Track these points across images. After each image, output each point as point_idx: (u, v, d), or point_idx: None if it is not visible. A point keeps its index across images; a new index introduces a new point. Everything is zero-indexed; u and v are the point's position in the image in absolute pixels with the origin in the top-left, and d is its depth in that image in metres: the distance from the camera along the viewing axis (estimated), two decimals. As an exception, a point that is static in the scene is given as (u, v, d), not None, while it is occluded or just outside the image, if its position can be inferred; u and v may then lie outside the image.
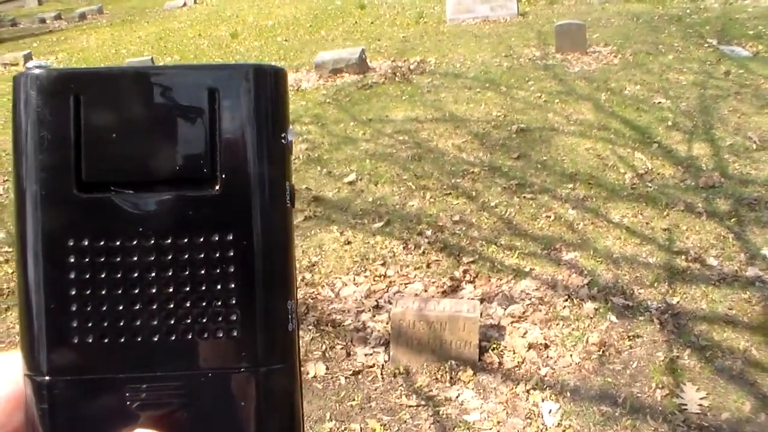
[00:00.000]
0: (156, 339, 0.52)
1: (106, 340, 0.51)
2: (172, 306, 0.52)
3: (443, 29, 12.15)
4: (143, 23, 19.17)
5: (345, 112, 7.64)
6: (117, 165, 0.51)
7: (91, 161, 0.51)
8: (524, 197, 5.27)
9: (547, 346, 3.80)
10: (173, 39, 15.39)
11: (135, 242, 0.51)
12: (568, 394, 3.47)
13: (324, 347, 3.87)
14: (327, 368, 3.73)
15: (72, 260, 0.51)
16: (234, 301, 0.51)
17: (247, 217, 0.51)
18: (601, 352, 3.74)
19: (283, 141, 0.52)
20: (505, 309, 4.09)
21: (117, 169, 0.51)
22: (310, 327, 4.01)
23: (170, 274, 0.51)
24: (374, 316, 4.08)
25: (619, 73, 8.31)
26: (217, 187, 0.51)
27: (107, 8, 25.05)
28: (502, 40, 10.69)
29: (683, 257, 4.52)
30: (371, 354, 3.80)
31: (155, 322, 0.51)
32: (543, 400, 3.45)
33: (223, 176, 0.51)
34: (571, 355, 3.73)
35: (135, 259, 0.51)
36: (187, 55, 12.88)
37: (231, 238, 0.51)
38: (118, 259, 0.51)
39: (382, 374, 3.66)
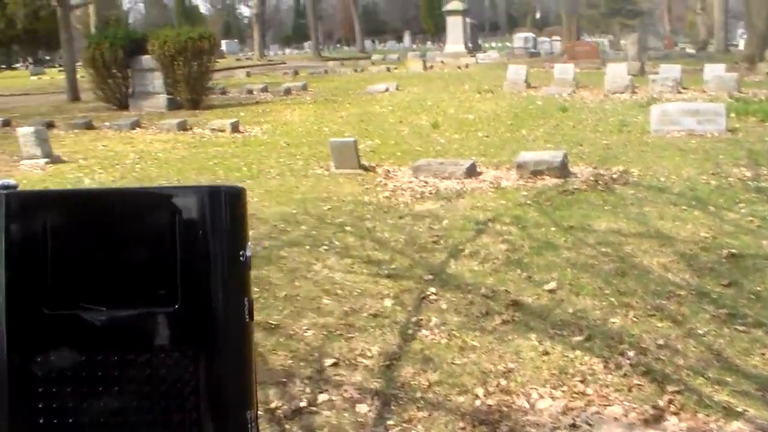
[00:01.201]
0: None
1: None
2: (135, 419, 0.53)
3: (647, 140, 11.96)
4: (345, 104, 19.95)
5: (546, 216, 7.60)
6: (83, 283, 0.53)
7: (59, 279, 0.53)
8: (735, 329, 5.01)
9: (757, 496, 3.55)
10: (374, 123, 15.89)
11: (101, 357, 0.53)
12: None
13: (517, 460, 3.78)
14: (520, 483, 3.63)
15: (39, 374, 0.53)
16: (195, 415, 0.53)
17: (206, 333, 0.54)
18: None
19: (241, 259, 0.55)
20: (713, 448, 3.86)
21: (83, 287, 0.53)
22: (502, 437, 3.93)
23: (134, 388, 0.53)
24: (570, 434, 3.96)
25: (840, 205, 7.85)
26: (177, 306, 0.53)
27: (311, 86, 26.29)
28: (709, 156, 10.39)
29: None
30: (567, 475, 3.67)
31: None
32: None
33: (183, 294, 0.53)
34: None
35: (100, 373, 0.53)
36: (387, 141, 13.26)
37: (191, 353, 0.54)
38: (84, 373, 0.53)
39: (578, 499, 3.53)
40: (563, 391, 4.33)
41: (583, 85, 21.02)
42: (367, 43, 72.56)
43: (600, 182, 8.90)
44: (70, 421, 0.53)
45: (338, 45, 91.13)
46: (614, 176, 9.22)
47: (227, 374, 0.55)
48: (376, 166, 10.94)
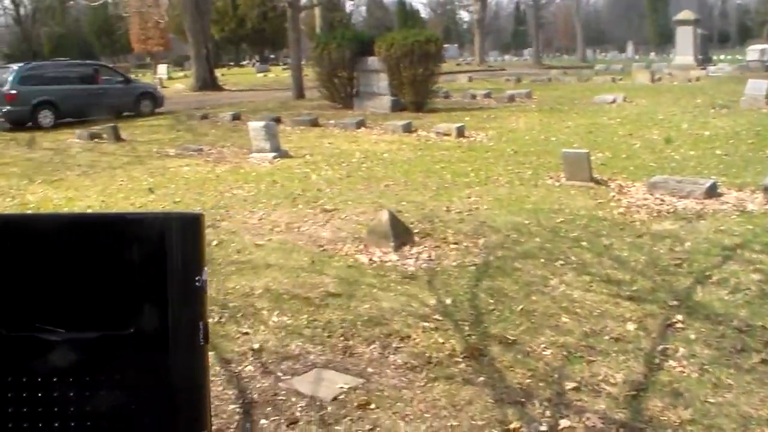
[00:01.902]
0: None
1: None
2: None
3: None
4: (572, 114, 19.56)
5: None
6: (41, 305, 0.54)
7: (17, 301, 0.54)
8: None
9: None
10: (603, 135, 15.45)
11: (56, 378, 0.53)
12: None
13: None
14: None
15: None
16: None
17: (160, 356, 0.54)
18: None
19: (197, 284, 0.56)
20: None
21: (41, 309, 0.54)
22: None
23: (90, 409, 0.53)
24: None
25: None
26: (132, 329, 0.54)
27: (535, 94, 26.10)
28: None
29: None
30: None
31: None
32: None
33: (138, 317, 0.54)
34: None
35: (56, 395, 0.53)
36: (618, 154, 12.82)
37: (147, 375, 0.54)
38: (41, 394, 0.53)
39: None
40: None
41: (832, 102, 19.40)
42: (588, 52, 70.98)
43: None
44: None
45: (558, 53, 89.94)
46: None
47: (182, 397, 0.56)
48: (608, 180, 10.56)
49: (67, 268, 0.56)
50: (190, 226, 0.58)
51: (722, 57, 56.13)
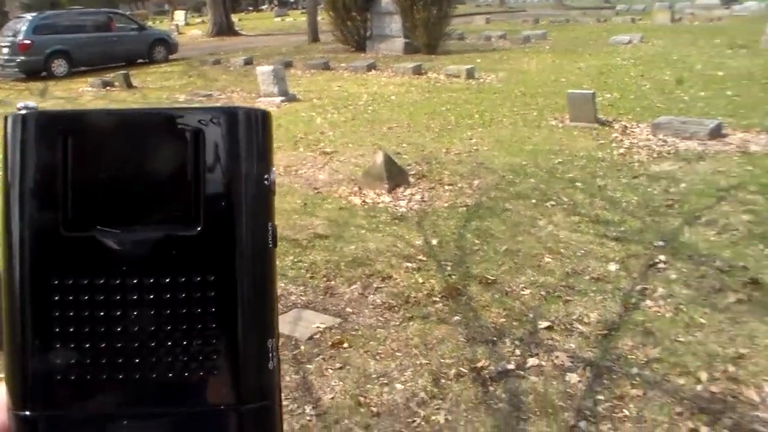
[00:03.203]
0: (138, 377, 0.52)
1: (89, 377, 0.52)
2: (154, 344, 0.52)
3: None
4: (585, 55, 19.27)
5: (798, 189, 6.93)
6: (102, 204, 0.53)
7: (77, 200, 0.52)
8: None
9: None
10: (614, 75, 15.25)
11: (119, 281, 0.52)
12: None
13: (741, 457, 3.47)
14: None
15: (56, 298, 0.52)
16: (215, 341, 0.52)
17: (228, 257, 0.52)
18: None
19: (265, 182, 0.54)
20: None
21: (101, 208, 0.53)
22: (725, 431, 3.62)
23: (152, 312, 0.52)
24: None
25: None
26: (199, 228, 0.52)
27: (551, 35, 25.71)
28: None
29: None
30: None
31: (138, 360, 0.52)
32: None
33: (206, 217, 0.52)
34: None
35: (118, 297, 0.52)
36: (627, 95, 12.66)
37: (213, 278, 0.52)
38: (102, 297, 0.52)
39: None
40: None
41: None
42: (615, -9, 69.50)
43: None
44: (87, 346, 0.53)
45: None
46: None
47: (249, 301, 0.54)
48: (613, 121, 10.46)
49: (129, 164, 0.54)
50: (260, 121, 0.56)
51: (753, -5, 54.83)
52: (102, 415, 0.53)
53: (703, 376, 4.00)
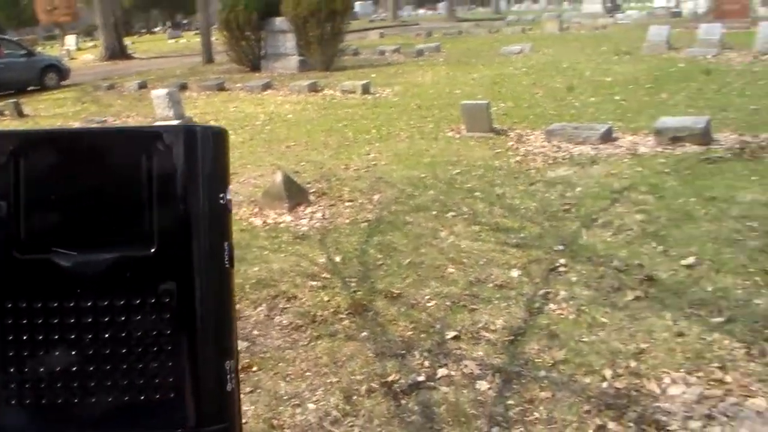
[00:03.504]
0: (94, 401, 0.51)
1: (44, 401, 0.51)
2: (109, 368, 0.51)
3: (802, 105, 11.18)
4: (478, 65, 19.63)
5: (686, 186, 7.18)
6: (55, 225, 0.52)
7: (30, 222, 0.51)
8: None
9: None
10: (507, 85, 15.56)
11: (73, 303, 0.51)
12: None
13: (648, 450, 3.55)
14: (649, 476, 3.41)
15: (9, 321, 0.51)
16: (170, 363, 0.51)
17: (183, 278, 0.52)
18: None
19: (221, 201, 0.53)
20: None
21: (55, 230, 0.52)
22: (631, 424, 3.70)
23: (107, 335, 0.51)
24: (705, 426, 3.68)
25: None
26: (153, 249, 0.51)
27: (445, 47, 26.16)
28: None
29: None
30: (701, 470, 3.42)
31: (93, 384, 0.51)
32: None
33: (160, 237, 0.51)
34: None
35: (73, 320, 0.51)
36: (520, 104, 12.93)
37: (168, 299, 0.51)
38: (56, 320, 0.51)
39: (712, 497, 3.28)
40: (699, 378, 4.05)
41: (730, 46, 19.84)
42: (502, 3, 71.15)
43: (747, 150, 8.34)
44: (42, 369, 0.52)
45: (473, 6, 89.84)
46: (763, 144, 8.61)
47: (206, 322, 0.52)
48: (508, 130, 10.66)
49: (83, 184, 0.53)
50: (216, 140, 0.54)
51: (631, 5, 56.89)
52: None
53: (608, 373, 4.08)
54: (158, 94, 13.97)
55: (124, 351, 0.52)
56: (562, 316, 4.79)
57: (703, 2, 39.77)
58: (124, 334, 0.52)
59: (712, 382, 3.99)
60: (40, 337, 0.52)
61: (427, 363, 4.35)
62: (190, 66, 27.00)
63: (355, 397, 4.06)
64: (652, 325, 4.57)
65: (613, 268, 5.44)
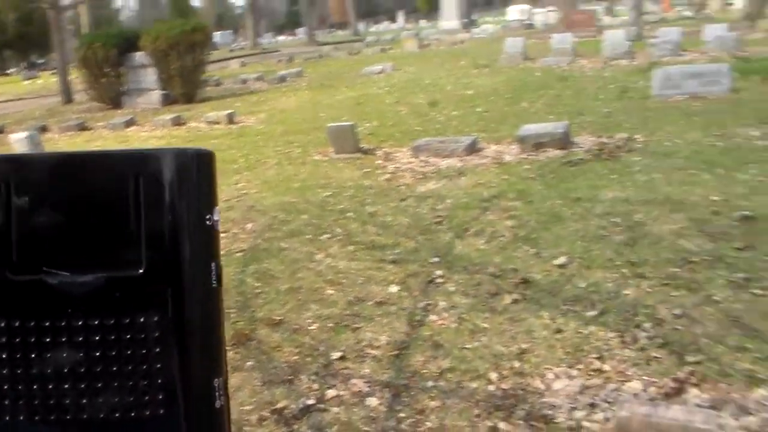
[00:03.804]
0: (85, 417, 0.53)
1: (37, 418, 0.53)
2: (100, 385, 0.53)
3: (649, 105, 11.77)
4: (342, 88, 19.75)
5: (551, 189, 7.42)
6: (46, 247, 0.53)
7: (22, 244, 0.53)
8: (753, 293, 4.83)
9: (790, 468, 3.39)
10: (371, 105, 15.71)
11: (64, 322, 0.52)
12: None
13: (537, 446, 3.63)
14: (541, 470, 3.48)
15: (3, 340, 0.53)
16: (160, 381, 0.53)
17: (171, 298, 0.53)
18: None
19: (207, 223, 0.55)
20: (739, 421, 3.69)
21: (46, 252, 0.53)
22: (520, 422, 3.77)
23: (98, 354, 0.52)
24: (589, 414, 3.79)
25: None
26: (142, 269, 0.53)
27: (307, 72, 26.20)
28: (714, 118, 10.18)
29: None
30: (589, 459, 3.51)
31: (85, 400, 0.52)
32: None
33: (148, 258, 0.53)
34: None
35: (64, 338, 0.52)
36: (386, 122, 13.09)
37: (156, 318, 0.53)
38: (48, 339, 0.53)
39: (602, 483, 3.37)
40: (579, 370, 4.18)
41: (582, 53, 20.74)
42: (361, 25, 72.01)
43: (604, 151, 8.70)
44: (35, 386, 0.53)
45: (332, 29, 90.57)
46: (619, 144, 9.01)
47: (194, 340, 0.54)
48: (375, 149, 10.76)
49: (72, 207, 0.54)
50: (202, 162, 0.55)
51: (486, 19, 58.56)
52: None
53: (493, 376, 4.15)
54: (17, 137, 13.43)
55: (114, 369, 0.53)
56: (443, 326, 4.85)
57: (553, 14, 41.41)
58: (114, 353, 0.53)
59: (591, 373, 4.12)
60: (33, 355, 0.53)
61: (315, 386, 4.31)
62: (48, 107, 26.10)
63: (246, 428, 3.99)
64: (532, 325, 4.68)
65: (489, 274, 5.55)
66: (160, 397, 0.53)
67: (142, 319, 0.53)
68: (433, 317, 5.00)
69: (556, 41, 21.81)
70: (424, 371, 4.33)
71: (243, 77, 26.55)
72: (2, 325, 0.53)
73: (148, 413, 0.53)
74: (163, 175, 0.54)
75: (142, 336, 0.53)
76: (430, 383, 4.19)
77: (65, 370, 0.53)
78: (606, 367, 4.17)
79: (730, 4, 43.18)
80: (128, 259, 0.53)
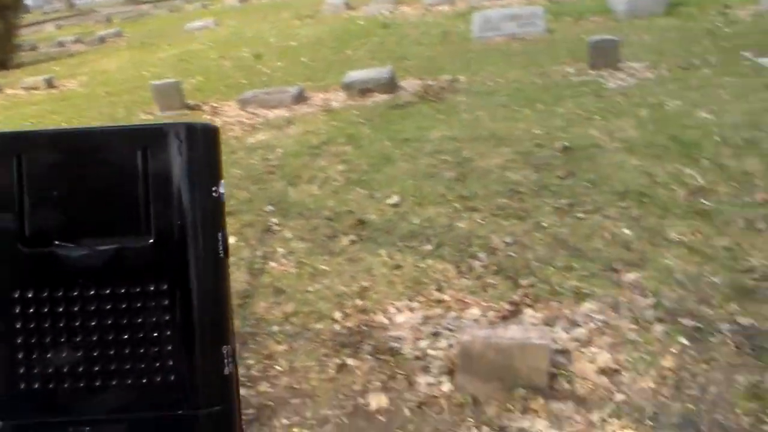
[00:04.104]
0: (98, 384, 0.54)
1: (51, 386, 0.54)
2: (112, 352, 0.54)
3: (470, 47, 12.05)
4: (164, 45, 19.13)
5: (380, 132, 7.51)
6: (57, 220, 0.55)
7: (34, 218, 0.55)
8: (576, 216, 5.11)
9: (618, 371, 3.63)
10: (195, 61, 15.32)
11: (77, 292, 0.54)
12: (648, 421, 3.30)
13: (384, 377, 3.71)
14: (390, 400, 3.57)
15: (18, 310, 0.54)
16: (170, 347, 0.54)
17: (180, 267, 0.55)
18: (676, 377, 3.56)
19: (214, 194, 0.56)
20: (569, 333, 3.92)
21: (57, 224, 0.55)
22: (367, 356, 3.86)
23: (110, 322, 0.54)
24: (433, 343, 3.92)
25: (657, 89, 8.14)
26: (151, 240, 0.54)
27: (126, 31, 25.11)
28: (532, 57, 10.57)
29: (750, 276, 4.33)
30: (435, 384, 3.63)
31: (97, 368, 0.54)
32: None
33: (157, 229, 0.54)
34: (645, 381, 3.56)
35: (77, 308, 0.54)
36: (211, 77, 12.80)
37: (166, 287, 0.54)
38: (61, 308, 0.54)
39: (448, 404, 3.50)
40: (420, 302, 4.29)
41: (404, 1, 20.95)
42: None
43: (429, 93, 8.87)
44: (49, 356, 0.54)
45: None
46: (443, 86, 9.20)
47: (202, 309, 0.55)
48: (202, 104, 10.52)
49: (82, 180, 0.54)
50: (208, 136, 0.56)
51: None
52: (64, 422, 0.55)
53: (338, 315, 4.21)
54: None
55: (125, 337, 0.54)
56: (284, 272, 4.85)
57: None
58: (125, 321, 0.54)
59: (432, 303, 4.25)
60: (46, 325, 0.54)
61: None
62: None
63: None
64: (370, 264, 4.76)
65: (325, 218, 5.58)
66: (170, 363, 0.55)
67: (152, 288, 0.55)
68: (272, 264, 4.99)
69: (377, -10, 21.93)
70: (269, 317, 4.33)
71: (60, 40, 25.14)
72: (16, 295, 0.55)
73: (158, 380, 0.55)
74: (171, 148, 0.55)
75: (152, 304, 0.55)
76: (275, 328, 4.20)
77: (78, 339, 0.55)
78: (445, 297, 4.31)
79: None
80: (138, 231, 0.55)
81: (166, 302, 0.55)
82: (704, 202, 5.25)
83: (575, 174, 5.81)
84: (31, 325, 0.55)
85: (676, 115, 7.16)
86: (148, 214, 0.55)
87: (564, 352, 3.77)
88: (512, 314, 4.11)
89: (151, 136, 0.56)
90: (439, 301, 4.27)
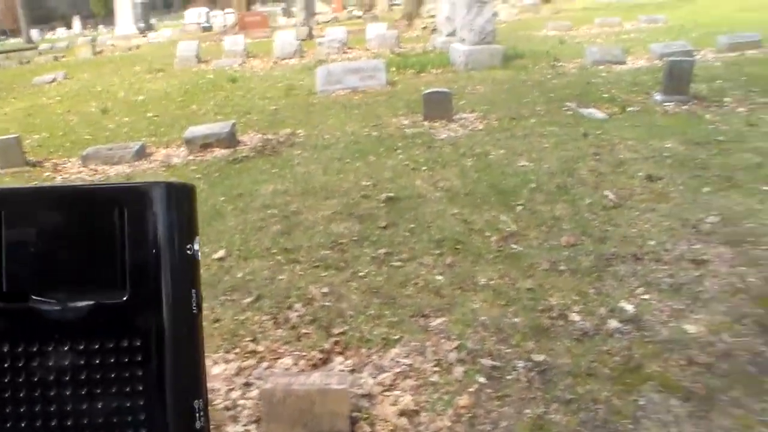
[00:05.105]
0: None
1: None
2: (85, 407, 0.55)
3: (313, 101, 12.34)
4: (10, 99, 18.62)
5: (215, 188, 7.61)
6: (35, 276, 0.55)
7: (11, 273, 0.55)
8: (393, 265, 5.34)
9: (417, 413, 3.82)
10: (41, 115, 15.02)
11: (51, 347, 0.55)
12: (439, 459, 3.50)
13: (192, 430, 3.79)
14: (196, 452, 3.64)
15: None
16: (142, 402, 0.55)
17: (154, 323, 0.55)
18: (471, 415, 3.79)
19: (188, 252, 0.57)
20: (375, 378, 4.10)
21: (35, 280, 0.55)
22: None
23: (83, 376, 0.55)
24: (244, 393, 4.03)
25: (485, 139, 8.59)
26: (126, 296, 0.55)
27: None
28: (371, 109, 10.93)
29: (547, 315, 4.65)
30: (241, 433, 3.74)
31: (70, 423, 0.54)
32: (413, 468, 3.46)
33: (132, 285, 0.55)
34: (441, 420, 3.77)
35: (51, 362, 0.55)
36: (56, 132, 12.60)
37: (139, 343, 0.55)
38: (36, 363, 0.55)
39: (253, 453, 3.61)
40: (236, 354, 4.40)
41: (254, 54, 21.18)
42: (35, 32, 67.74)
43: (267, 147, 9.05)
44: (22, 410, 0.54)
45: (3, 37, 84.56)
46: (281, 140, 9.41)
47: (175, 364, 0.56)
48: (43, 161, 10.35)
49: (60, 238, 0.54)
50: (184, 195, 0.56)
51: (166, 23, 57.51)
52: None
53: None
54: None
55: (99, 391, 0.54)
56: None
57: (231, 17, 41.66)
58: (98, 376, 0.54)
59: (247, 355, 4.36)
60: (20, 379, 0.54)
61: None
62: None
63: None
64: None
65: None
66: (143, 418, 0.55)
67: (125, 344, 0.55)
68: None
69: (229, 43, 22.06)
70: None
71: None
72: None
73: None
74: (147, 207, 0.56)
75: (126, 360, 0.55)
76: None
77: (52, 393, 0.55)
78: (260, 348, 4.43)
79: (397, 5, 45.99)
80: (113, 287, 0.55)
81: (140, 358, 0.55)
82: (514, 246, 5.59)
83: (397, 224, 6.07)
84: (6, 380, 0.55)
85: (498, 164, 7.57)
86: (124, 271, 0.56)
87: (369, 396, 3.95)
88: (323, 362, 4.27)
89: (130, 195, 0.57)
90: (254, 352, 4.39)
